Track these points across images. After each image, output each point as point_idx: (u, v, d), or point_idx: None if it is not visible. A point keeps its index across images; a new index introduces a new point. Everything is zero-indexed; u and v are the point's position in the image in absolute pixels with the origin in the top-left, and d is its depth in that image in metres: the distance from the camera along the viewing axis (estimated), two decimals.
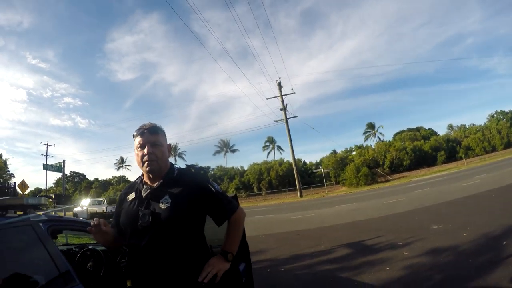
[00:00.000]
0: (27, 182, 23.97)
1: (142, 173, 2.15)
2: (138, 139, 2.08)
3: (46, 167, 31.41)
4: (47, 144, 45.37)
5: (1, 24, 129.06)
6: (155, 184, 2.05)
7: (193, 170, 2.17)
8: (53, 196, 3.34)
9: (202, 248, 2.04)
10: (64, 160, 30.76)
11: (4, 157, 28.42)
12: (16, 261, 2.28)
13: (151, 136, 2.06)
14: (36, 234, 2.40)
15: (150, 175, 2.06)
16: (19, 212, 2.57)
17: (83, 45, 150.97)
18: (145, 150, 2.01)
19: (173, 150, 71.06)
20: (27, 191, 24.20)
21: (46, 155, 44.98)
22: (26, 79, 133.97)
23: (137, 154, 2.07)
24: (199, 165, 2.27)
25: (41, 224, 2.52)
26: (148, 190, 2.02)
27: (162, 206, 1.92)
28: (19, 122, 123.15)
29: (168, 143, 2.22)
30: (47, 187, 36.83)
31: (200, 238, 2.05)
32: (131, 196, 2.11)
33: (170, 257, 1.88)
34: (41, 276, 2.28)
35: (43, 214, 2.80)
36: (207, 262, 1.98)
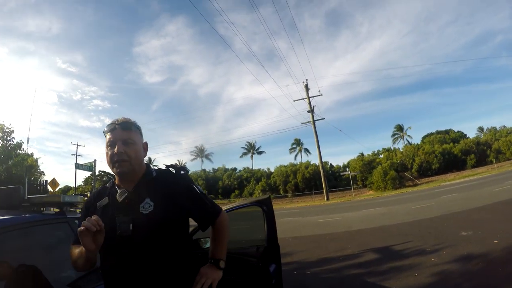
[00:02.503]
0: (57, 180, 24.80)
1: (114, 176, 1.89)
2: (108, 136, 1.81)
3: (77, 166, 32.30)
4: (77, 144, 46.90)
5: (31, 30, 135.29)
6: (131, 187, 1.80)
7: (173, 171, 1.96)
8: (88, 194, 3.49)
9: (189, 256, 1.86)
10: (95, 160, 31.68)
11: (35, 156, 29.42)
12: (52, 255, 2.40)
13: (123, 133, 1.80)
14: (72, 231, 2.47)
15: (122, 178, 1.82)
16: (55, 209, 2.73)
17: (111, 49, 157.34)
18: (116, 149, 1.74)
19: (199, 151, 72.03)
20: (57, 189, 25.02)
21: (76, 155, 46.39)
22: (56, 82, 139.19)
23: (107, 153, 1.80)
24: (179, 165, 2.04)
25: (77, 221, 2.57)
26: (125, 194, 1.75)
27: (144, 211, 1.69)
28: (50, 123, 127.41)
29: (144, 141, 1.96)
30: (76, 185, 38.00)
31: (186, 245, 1.86)
32: (103, 202, 1.82)
33: (157, 269, 1.66)
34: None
35: (79, 212, 2.94)
36: (198, 273, 1.85)
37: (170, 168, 1.97)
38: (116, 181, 1.86)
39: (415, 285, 5.19)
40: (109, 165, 1.80)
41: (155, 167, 1.98)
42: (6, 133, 23.87)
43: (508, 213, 10.23)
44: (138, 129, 1.90)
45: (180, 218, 1.79)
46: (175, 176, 1.90)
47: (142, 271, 1.63)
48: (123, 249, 1.64)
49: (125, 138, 1.78)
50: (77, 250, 1.70)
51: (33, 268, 2.09)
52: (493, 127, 64.58)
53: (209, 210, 1.93)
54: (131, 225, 1.65)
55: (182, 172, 1.94)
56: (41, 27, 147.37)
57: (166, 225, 1.69)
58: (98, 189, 1.99)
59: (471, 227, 8.87)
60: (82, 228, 1.49)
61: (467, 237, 7.87)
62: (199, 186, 1.95)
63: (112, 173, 1.83)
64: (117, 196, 1.76)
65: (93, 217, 1.52)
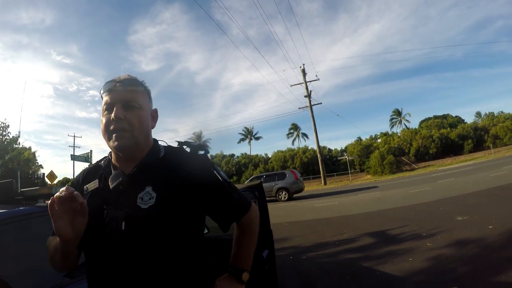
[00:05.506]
0: (56, 172, 24.88)
1: (110, 152, 1.43)
2: (105, 98, 1.34)
3: (74, 157, 32.44)
4: (74, 136, 47.18)
5: (25, 22, 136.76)
6: (130, 169, 1.33)
7: (188, 150, 1.48)
8: None
9: (200, 266, 1.37)
10: (91, 151, 31.98)
11: (33, 150, 29.70)
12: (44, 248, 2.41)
13: (125, 93, 1.32)
14: None
15: (120, 154, 1.34)
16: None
17: (106, 38, 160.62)
18: (113, 114, 1.28)
19: (197, 138, 71.70)
20: (55, 181, 25.10)
21: (74, 146, 46.68)
22: (52, 74, 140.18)
23: (101, 121, 1.33)
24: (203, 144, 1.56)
25: None
26: (119, 179, 1.29)
27: (142, 204, 1.23)
28: (47, 116, 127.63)
29: (154, 107, 1.48)
30: (75, 177, 38.40)
31: (197, 251, 1.37)
32: (92, 185, 1.38)
33: (154, 280, 1.21)
34: None
35: None
36: (212, 286, 1.42)
37: (184, 146, 1.50)
38: (112, 159, 1.41)
39: (410, 269, 5.22)
40: (104, 136, 1.33)
41: (164, 144, 1.49)
42: (1, 128, 23.90)
43: (504, 198, 10.24)
44: (146, 90, 1.42)
45: (193, 217, 1.33)
46: (191, 158, 1.42)
47: (134, 281, 1.21)
48: (113, 251, 1.22)
49: (127, 99, 1.31)
50: (53, 242, 1.29)
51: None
52: (491, 113, 64.74)
53: (235, 204, 1.44)
54: (123, 223, 1.21)
55: (201, 152, 1.48)
56: (34, 19, 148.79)
57: (171, 226, 1.24)
58: (88, 167, 1.56)
59: (467, 212, 8.89)
60: (55, 197, 1.06)
61: (462, 222, 7.90)
62: (222, 172, 1.45)
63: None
64: (109, 180, 1.31)
65: (66, 188, 1.08)
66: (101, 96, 1.37)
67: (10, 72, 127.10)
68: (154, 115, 1.47)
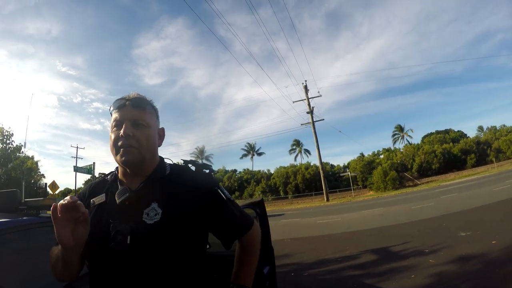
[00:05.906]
0: (58, 182, 24.85)
1: (117, 167, 1.49)
2: (114, 115, 1.40)
3: (77, 169, 32.51)
4: (77, 147, 47.20)
5: (31, 32, 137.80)
6: (137, 184, 1.38)
7: (193, 168, 1.54)
8: None
9: (203, 281, 1.39)
10: (94, 163, 32.04)
11: (35, 159, 29.82)
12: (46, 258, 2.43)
13: (135, 111, 1.38)
14: None
15: (128, 169, 1.38)
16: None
17: (111, 51, 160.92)
18: (122, 131, 1.33)
19: (200, 153, 71.87)
20: (57, 191, 25.06)
21: (76, 157, 46.69)
22: (56, 85, 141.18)
23: (110, 137, 1.38)
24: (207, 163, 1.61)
25: None
26: (126, 194, 1.33)
27: (148, 219, 1.27)
28: (50, 126, 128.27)
29: (161, 126, 1.55)
30: (76, 188, 38.38)
31: (200, 267, 1.39)
32: (99, 199, 1.41)
33: None
34: None
35: None
36: None
37: (190, 165, 1.56)
38: (119, 174, 1.46)
39: (412, 286, 5.16)
40: (112, 151, 1.38)
41: (170, 162, 1.54)
42: (5, 136, 24.03)
43: (507, 212, 10.17)
44: (154, 109, 1.48)
45: (196, 233, 1.36)
46: (196, 176, 1.49)
47: None
48: (117, 266, 1.24)
49: (136, 118, 1.37)
50: (56, 251, 1.30)
51: None
52: (493, 126, 64.59)
53: (237, 222, 1.50)
54: (129, 237, 1.23)
55: (206, 171, 1.54)
56: (40, 29, 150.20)
57: (175, 241, 1.27)
58: (95, 180, 1.58)
59: (469, 227, 8.83)
60: (58, 205, 1.09)
61: (465, 237, 7.84)
62: (225, 191, 1.50)
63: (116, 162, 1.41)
64: (116, 195, 1.35)
65: (70, 197, 1.11)
66: (111, 113, 1.43)
67: (15, 81, 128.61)
68: (161, 134, 1.53)
